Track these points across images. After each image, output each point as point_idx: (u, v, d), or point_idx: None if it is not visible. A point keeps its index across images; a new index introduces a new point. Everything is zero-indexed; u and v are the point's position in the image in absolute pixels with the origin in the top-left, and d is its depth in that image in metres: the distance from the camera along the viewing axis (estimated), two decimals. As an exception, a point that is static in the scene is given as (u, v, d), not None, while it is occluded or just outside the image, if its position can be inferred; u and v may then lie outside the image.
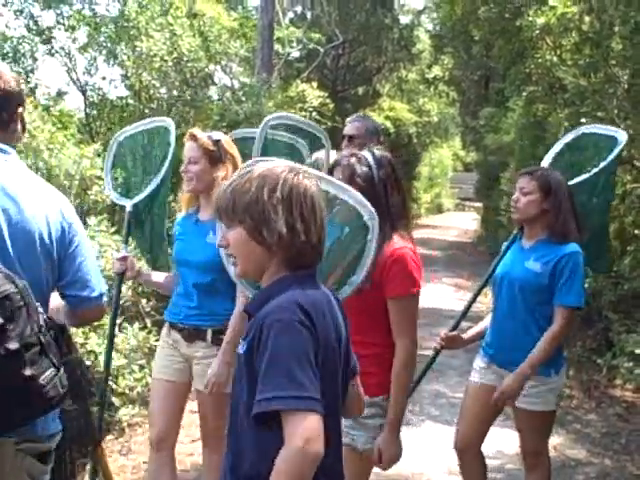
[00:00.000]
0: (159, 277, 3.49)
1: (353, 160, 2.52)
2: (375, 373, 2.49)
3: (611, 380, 6.22)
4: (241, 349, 1.72)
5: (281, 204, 1.69)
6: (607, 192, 3.61)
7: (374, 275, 2.36)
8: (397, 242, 2.49)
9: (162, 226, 3.58)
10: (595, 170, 3.44)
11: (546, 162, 3.62)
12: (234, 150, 3.22)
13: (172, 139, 3.40)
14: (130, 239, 3.70)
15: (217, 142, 3.16)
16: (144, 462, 4.52)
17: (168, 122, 3.50)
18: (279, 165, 1.78)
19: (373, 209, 2.17)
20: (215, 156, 3.13)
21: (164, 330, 3.37)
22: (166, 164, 3.38)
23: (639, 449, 4.96)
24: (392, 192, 2.52)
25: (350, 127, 4.17)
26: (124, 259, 3.29)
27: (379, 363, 2.52)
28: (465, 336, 3.46)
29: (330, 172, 2.56)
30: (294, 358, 1.58)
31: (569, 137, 3.72)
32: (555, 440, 5.08)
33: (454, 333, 3.38)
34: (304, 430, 1.54)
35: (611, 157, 3.44)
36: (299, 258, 1.73)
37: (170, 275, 3.46)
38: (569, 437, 5.20)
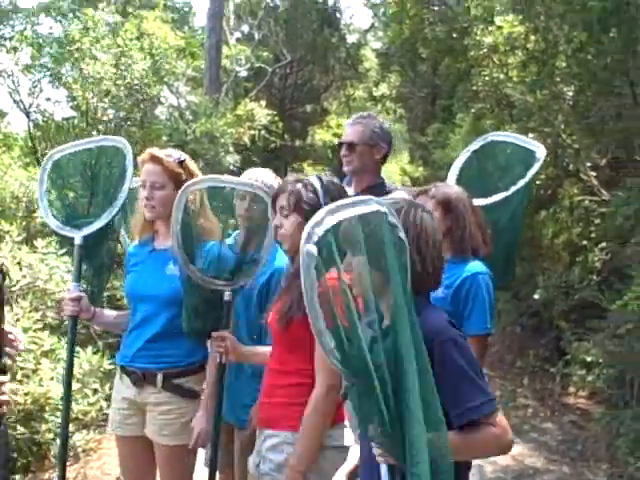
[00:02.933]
0: (112, 315, 3.09)
1: (299, 186, 2.39)
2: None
3: (565, 388, 6.34)
4: None
5: None
6: (520, 211, 3.44)
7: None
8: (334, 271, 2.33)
9: (113, 258, 3.19)
10: (514, 188, 3.28)
11: (453, 172, 3.45)
12: (196, 169, 2.91)
13: (129, 162, 2.99)
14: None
15: (182, 163, 2.83)
16: (101, 487, 4.45)
17: (122, 143, 3.06)
18: (398, 202, 1.93)
19: None
20: (182, 179, 2.77)
21: (117, 376, 2.99)
22: (123, 191, 2.98)
23: (595, 455, 5.04)
24: None
25: (350, 131, 3.39)
26: (77, 300, 2.86)
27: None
28: None
29: (274, 199, 2.46)
30: (473, 370, 1.81)
31: (477, 145, 3.54)
32: (513, 450, 5.16)
33: None
34: (506, 425, 1.84)
35: (530, 174, 3.30)
36: (417, 284, 1.82)
37: (121, 313, 3.09)
38: (526, 446, 5.28)
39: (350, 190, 3.37)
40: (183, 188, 2.65)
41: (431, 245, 1.91)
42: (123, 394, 2.90)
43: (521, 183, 3.29)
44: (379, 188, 3.33)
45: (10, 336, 2.43)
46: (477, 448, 1.86)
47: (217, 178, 2.77)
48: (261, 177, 2.99)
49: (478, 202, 3.14)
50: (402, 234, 1.76)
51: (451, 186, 3.08)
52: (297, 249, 2.34)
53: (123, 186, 2.97)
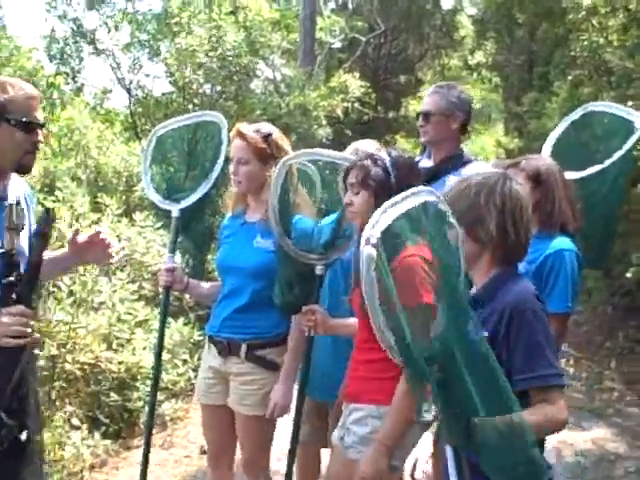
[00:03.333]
0: (205, 287, 3.12)
1: (368, 162, 2.40)
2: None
3: (654, 373, 6.06)
4: (484, 332, 1.82)
5: (495, 209, 1.95)
6: (619, 184, 3.26)
7: None
8: (409, 249, 2.13)
9: (210, 230, 3.27)
10: (609, 161, 3.16)
11: (549, 144, 3.34)
12: (285, 144, 2.89)
13: (224, 137, 3.02)
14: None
15: (267, 137, 2.82)
16: (185, 456, 4.59)
17: (218, 117, 3.10)
18: (494, 174, 2.04)
19: None
20: (266, 154, 2.80)
21: (205, 346, 3.08)
22: (218, 165, 3.03)
23: (681, 444, 4.79)
24: None
25: (427, 101, 3.32)
26: (171, 271, 2.94)
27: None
28: None
29: (345, 176, 2.46)
30: (547, 343, 1.86)
31: (576, 115, 3.40)
32: (594, 433, 4.95)
33: None
34: (564, 404, 1.84)
35: (627, 146, 3.15)
36: (509, 254, 1.99)
37: (214, 284, 3.12)
38: (609, 430, 5.04)
39: (429, 162, 3.33)
40: (282, 161, 2.67)
41: (525, 218, 1.98)
42: (209, 363, 2.96)
43: (617, 155, 3.17)
44: (457, 159, 3.29)
45: (102, 236, 2.56)
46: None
47: (312, 152, 2.78)
48: (362, 148, 2.94)
49: (572, 175, 3.05)
50: (453, 219, 1.79)
51: (542, 158, 2.99)
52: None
53: (218, 160, 3.03)
